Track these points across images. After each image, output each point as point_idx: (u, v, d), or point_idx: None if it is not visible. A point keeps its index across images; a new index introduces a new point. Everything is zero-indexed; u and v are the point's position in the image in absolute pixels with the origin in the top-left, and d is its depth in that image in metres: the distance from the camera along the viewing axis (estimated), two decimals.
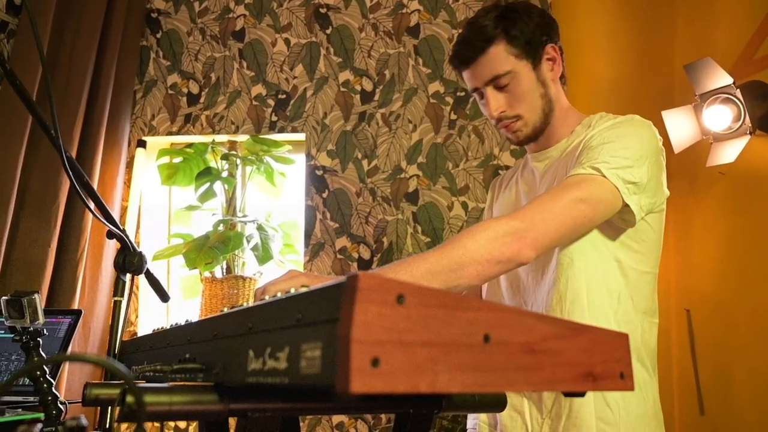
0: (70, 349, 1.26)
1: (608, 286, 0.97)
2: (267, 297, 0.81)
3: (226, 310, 0.72)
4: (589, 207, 0.90)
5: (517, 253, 0.85)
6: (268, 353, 0.48)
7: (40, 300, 0.94)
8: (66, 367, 1.25)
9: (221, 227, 2.12)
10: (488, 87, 1.02)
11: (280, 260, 2.25)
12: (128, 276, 1.12)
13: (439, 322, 0.42)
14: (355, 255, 2.23)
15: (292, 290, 0.55)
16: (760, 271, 1.60)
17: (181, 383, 0.63)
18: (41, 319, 0.94)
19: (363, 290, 0.38)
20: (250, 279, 2.22)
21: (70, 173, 0.88)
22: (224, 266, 2.21)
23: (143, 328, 2.27)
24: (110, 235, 1.09)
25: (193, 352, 0.67)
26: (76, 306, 1.76)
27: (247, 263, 2.31)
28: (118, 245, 1.10)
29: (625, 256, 0.97)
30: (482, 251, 0.83)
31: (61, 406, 0.94)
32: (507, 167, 2.19)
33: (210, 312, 2.15)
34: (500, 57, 1.00)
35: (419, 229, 2.21)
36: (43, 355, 0.95)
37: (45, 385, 0.94)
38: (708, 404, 1.72)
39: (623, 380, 0.54)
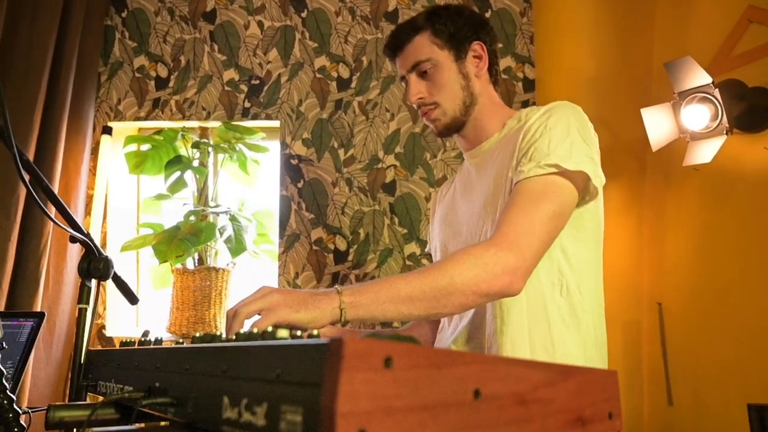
0: (32, 354, 1.20)
1: (550, 278, 0.96)
2: (237, 326, 0.78)
3: (197, 335, 0.69)
4: (563, 219, 0.90)
5: (508, 287, 0.83)
6: (245, 404, 0.45)
7: None
8: (29, 371, 1.19)
9: (192, 218, 2.06)
10: (411, 73, 1.06)
11: (254, 251, 2.20)
12: (93, 282, 1.07)
13: (428, 383, 0.40)
14: (331, 246, 2.19)
15: (269, 329, 0.52)
16: (731, 267, 1.62)
17: (151, 419, 0.60)
18: (0, 332, 0.89)
19: (348, 357, 0.36)
20: (223, 270, 2.17)
21: (25, 180, 0.82)
22: (196, 257, 2.16)
23: (111, 321, 2.20)
24: (73, 239, 1.03)
25: (164, 382, 0.63)
26: (39, 306, 1.68)
27: (220, 253, 2.25)
28: (82, 249, 1.05)
29: (570, 244, 0.96)
30: (469, 283, 0.80)
31: (23, 424, 0.90)
32: None
33: (182, 305, 2.10)
34: (424, 45, 1.05)
35: (396, 220, 2.18)
36: (2, 368, 0.90)
37: (5, 401, 0.89)
38: (677, 395, 1.76)
39: (611, 420, 0.53)
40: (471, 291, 0.81)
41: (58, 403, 0.80)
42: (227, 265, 2.22)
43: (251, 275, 2.37)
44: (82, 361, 1.02)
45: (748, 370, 1.51)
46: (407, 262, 2.16)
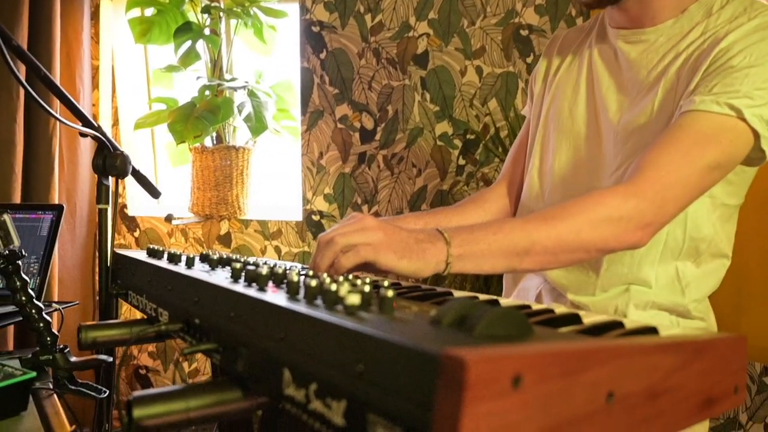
0: (56, 250, 1.15)
1: (697, 231, 0.83)
2: (329, 257, 0.64)
3: (250, 265, 0.60)
4: (724, 172, 0.74)
5: (636, 243, 0.70)
6: (314, 390, 0.37)
7: (10, 220, 0.80)
8: (55, 266, 1.15)
9: (207, 93, 1.91)
10: None
11: (275, 129, 2.07)
12: (111, 180, 0.98)
13: (559, 398, 0.31)
14: (357, 124, 2.05)
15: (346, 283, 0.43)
16: None
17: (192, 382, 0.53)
18: (16, 241, 0.82)
19: (473, 386, 0.26)
20: (243, 149, 2.06)
21: (20, 79, 0.68)
22: (214, 135, 2.04)
23: (132, 199, 2.16)
24: (83, 134, 0.92)
25: (204, 319, 0.56)
26: (56, 199, 1.61)
27: (238, 129, 2.13)
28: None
29: (720, 190, 0.82)
30: (597, 240, 0.68)
31: (55, 333, 0.86)
32: (530, 27, 1.93)
33: (203, 185, 2.03)
34: None
35: (427, 96, 2.01)
36: (25, 278, 0.85)
37: (33, 311, 0.85)
38: None
39: (736, 395, 0.45)
40: (596, 248, 0.69)
41: (88, 323, 0.74)
42: (247, 143, 2.11)
43: (273, 154, 2.27)
44: (108, 265, 0.97)
45: None
46: (438, 143, 2.03)
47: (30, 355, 0.84)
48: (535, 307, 0.55)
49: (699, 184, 0.72)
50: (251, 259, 0.87)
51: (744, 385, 0.46)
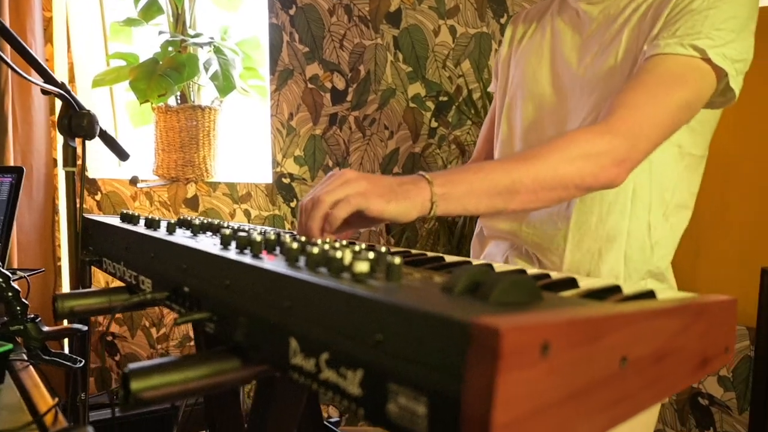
0: (16, 215, 1.10)
1: (661, 178, 0.85)
2: (318, 220, 0.62)
3: (242, 231, 0.57)
4: (692, 111, 0.75)
5: (613, 180, 0.71)
6: (325, 360, 0.36)
7: None
8: (14, 232, 1.10)
9: (171, 49, 1.82)
10: None
11: (242, 88, 2.00)
12: (77, 141, 0.93)
13: (581, 364, 0.31)
14: (328, 85, 2.00)
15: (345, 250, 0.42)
16: None
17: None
18: None
19: (507, 355, 0.26)
20: (210, 109, 1.99)
21: None
22: (178, 94, 1.95)
23: (92, 160, 2.06)
24: (45, 92, 0.86)
25: (194, 288, 0.54)
26: (11, 159, 1.51)
27: (203, 88, 2.05)
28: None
29: (686, 140, 0.84)
30: (574, 176, 0.69)
31: (25, 301, 0.83)
32: None
33: (168, 146, 1.95)
34: None
35: (400, 56, 1.97)
36: None
37: (2, 279, 0.81)
38: None
39: (726, 354, 0.47)
40: (574, 185, 0.70)
41: (64, 293, 0.71)
42: (212, 102, 2.04)
43: (240, 114, 2.20)
44: (78, 230, 0.93)
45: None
46: (411, 104, 2.00)
47: None
48: (531, 271, 0.55)
49: (669, 123, 0.74)
50: (233, 224, 0.85)
51: (733, 345, 0.47)
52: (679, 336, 0.40)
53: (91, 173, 2.05)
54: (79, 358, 0.84)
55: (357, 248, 0.51)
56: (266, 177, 2.09)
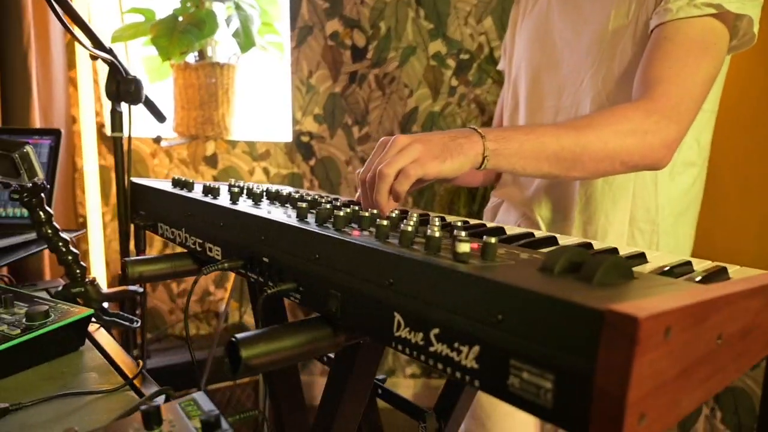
0: (57, 178, 1.11)
1: None
2: (384, 194, 0.63)
3: (308, 200, 0.59)
4: (717, 72, 0.76)
5: (659, 161, 0.72)
6: (435, 335, 0.39)
7: (33, 152, 0.77)
8: (54, 195, 1.11)
9: (189, 5, 1.78)
10: None
11: (261, 45, 1.97)
12: (124, 105, 0.94)
13: (691, 344, 0.34)
14: (348, 42, 1.97)
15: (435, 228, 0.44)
16: None
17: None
18: (40, 173, 0.79)
19: (643, 340, 0.29)
20: (228, 66, 1.97)
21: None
22: (195, 51, 1.92)
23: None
24: (94, 57, 0.86)
25: (274, 259, 0.56)
26: (36, 119, 1.50)
27: (219, 44, 2.01)
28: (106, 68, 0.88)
29: None
30: (622, 152, 0.70)
31: (83, 264, 0.85)
32: None
33: (187, 104, 1.94)
34: None
35: (422, 13, 1.93)
36: (49, 210, 0.82)
37: (60, 244, 0.83)
38: None
39: None
40: (620, 161, 0.71)
41: (133, 258, 0.74)
42: (229, 58, 2.01)
43: (256, 71, 2.17)
44: (128, 196, 0.94)
45: None
46: (431, 63, 1.98)
47: (60, 288, 0.84)
48: (597, 246, 0.58)
49: (704, 95, 0.75)
50: (289, 189, 0.86)
51: None
52: (760, 313, 0.42)
53: (109, 131, 2.04)
54: (136, 319, 0.88)
55: (436, 222, 0.53)
56: (285, 135, 2.08)
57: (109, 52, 0.86)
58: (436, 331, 0.39)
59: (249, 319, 2.19)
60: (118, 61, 0.87)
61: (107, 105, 2.01)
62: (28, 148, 0.76)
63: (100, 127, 2.01)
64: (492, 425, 1.02)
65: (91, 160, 1.90)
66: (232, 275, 2.08)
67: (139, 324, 0.87)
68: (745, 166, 1.44)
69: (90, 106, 1.92)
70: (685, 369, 0.34)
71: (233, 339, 0.45)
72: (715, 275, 0.46)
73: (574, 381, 0.31)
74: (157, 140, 1.80)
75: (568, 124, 0.72)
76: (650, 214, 0.89)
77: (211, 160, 2.08)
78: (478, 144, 0.66)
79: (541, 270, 0.40)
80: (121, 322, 0.85)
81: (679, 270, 0.48)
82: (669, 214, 0.90)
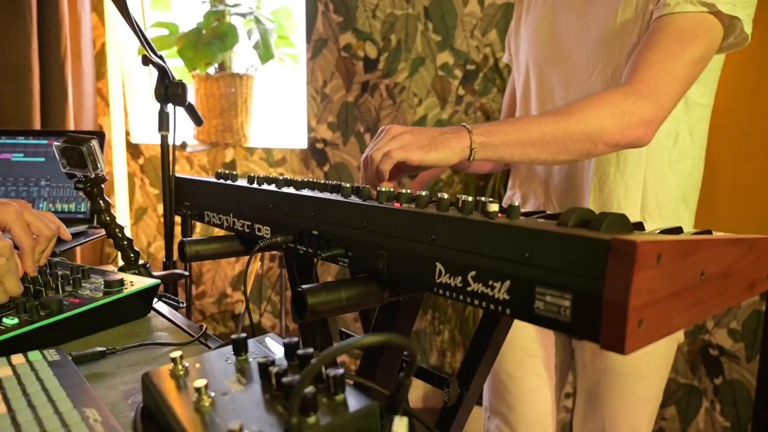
0: None
1: (667, 126, 0.92)
2: (373, 173, 0.74)
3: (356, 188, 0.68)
4: (705, 64, 0.82)
5: (641, 138, 0.78)
6: (472, 276, 0.48)
7: (97, 146, 0.86)
8: None
9: (213, 19, 1.89)
10: None
11: (278, 56, 2.08)
12: (170, 107, 1.03)
13: (678, 273, 0.43)
14: (361, 53, 2.08)
15: (485, 202, 0.53)
16: None
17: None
18: (102, 166, 0.88)
19: (640, 259, 0.38)
20: (247, 76, 2.07)
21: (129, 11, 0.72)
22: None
23: (133, 126, 2.15)
24: (146, 61, 0.96)
25: (323, 231, 0.65)
26: (71, 123, 1.60)
27: (236, 54, 2.13)
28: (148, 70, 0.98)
29: (692, 90, 0.89)
30: (602, 132, 0.76)
31: (137, 249, 0.94)
32: None
33: (208, 113, 2.04)
34: None
35: (430, 26, 2.04)
36: (108, 200, 0.91)
37: (117, 230, 0.92)
38: None
39: (766, 281, 0.59)
40: (602, 141, 0.77)
41: (190, 239, 0.83)
42: (247, 69, 2.12)
43: (274, 82, 2.28)
44: (172, 189, 1.03)
45: None
46: (439, 73, 2.08)
47: (116, 270, 0.93)
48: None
49: (688, 78, 0.80)
50: (327, 181, 0.95)
51: None
52: (739, 261, 0.51)
53: (133, 138, 2.14)
54: (182, 300, 0.96)
55: (463, 197, 0.62)
56: (301, 142, 2.18)
57: (161, 57, 0.95)
58: (473, 273, 0.48)
59: (265, 321, 2.27)
60: (167, 66, 0.96)
61: (132, 115, 2.11)
62: (94, 143, 0.85)
63: (126, 135, 2.11)
64: (513, 400, 1.10)
65: (120, 165, 2.00)
66: (251, 278, 2.16)
67: (184, 305, 0.96)
68: (742, 166, 1.53)
69: (120, 115, 2.03)
70: (675, 292, 0.42)
71: (300, 289, 0.54)
72: (701, 233, 0.55)
73: (587, 297, 0.40)
74: (183, 146, 1.90)
75: (551, 112, 0.79)
76: (659, 200, 0.94)
77: (230, 166, 2.18)
78: (465, 138, 0.74)
79: (559, 225, 0.49)
80: (170, 302, 0.94)
81: (671, 231, 0.57)
82: (671, 200, 0.96)
